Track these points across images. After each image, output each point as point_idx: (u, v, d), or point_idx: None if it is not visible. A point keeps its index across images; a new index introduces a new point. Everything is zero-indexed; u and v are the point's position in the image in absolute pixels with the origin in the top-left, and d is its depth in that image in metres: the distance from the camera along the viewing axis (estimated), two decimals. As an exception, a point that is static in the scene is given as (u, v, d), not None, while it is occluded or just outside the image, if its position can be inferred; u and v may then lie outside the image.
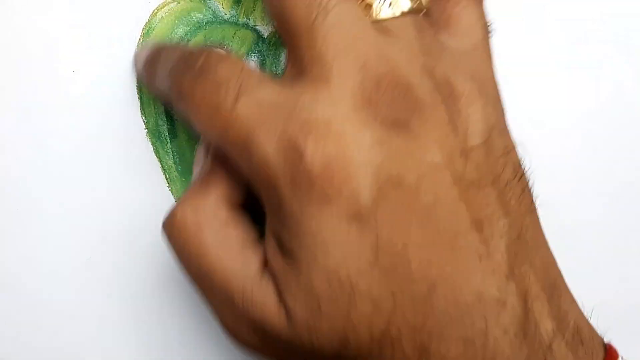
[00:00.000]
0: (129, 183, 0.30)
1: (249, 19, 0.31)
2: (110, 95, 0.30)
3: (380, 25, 0.22)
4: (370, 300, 0.21)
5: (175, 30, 0.30)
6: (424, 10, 0.23)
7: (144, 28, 0.30)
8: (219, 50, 0.23)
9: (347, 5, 0.22)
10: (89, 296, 0.29)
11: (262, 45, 0.31)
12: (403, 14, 0.23)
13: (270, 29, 0.31)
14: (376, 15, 0.23)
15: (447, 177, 0.21)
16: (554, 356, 0.22)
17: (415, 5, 0.23)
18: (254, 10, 0.30)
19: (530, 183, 0.24)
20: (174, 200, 0.30)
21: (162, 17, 0.30)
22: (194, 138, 0.30)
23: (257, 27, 0.31)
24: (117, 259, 0.29)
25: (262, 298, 0.22)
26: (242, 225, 0.24)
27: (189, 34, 0.30)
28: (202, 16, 0.30)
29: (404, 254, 0.21)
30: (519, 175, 0.23)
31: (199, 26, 0.30)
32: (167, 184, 0.30)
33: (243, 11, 0.31)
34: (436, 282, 0.21)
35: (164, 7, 0.30)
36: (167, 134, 0.30)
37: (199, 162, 0.25)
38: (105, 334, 0.29)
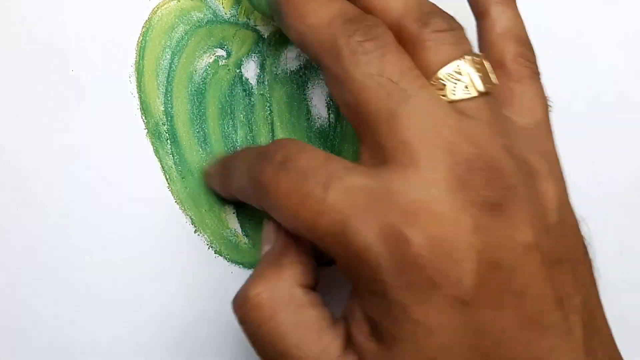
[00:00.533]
0: (129, 183, 0.30)
1: (249, 19, 0.30)
2: (110, 95, 0.29)
3: (456, 107, 0.23)
4: None
5: (175, 29, 0.30)
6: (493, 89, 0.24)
7: (143, 27, 0.30)
8: (295, 140, 0.24)
9: (425, 91, 0.22)
10: (89, 296, 0.29)
11: (262, 45, 0.30)
12: (477, 95, 0.23)
13: (270, 29, 0.31)
14: (451, 96, 0.23)
15: (537, 257, 0.22)
16: None
17: (488, 87, 0.23)
18: (255, 10, 0.30)
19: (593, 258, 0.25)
20: (174, 200, 0.30)
21: (161, 15, 0.30)
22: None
23: (257, 27, 0.30)
24: (117, 259, 0.29)
25: None
26: (318, 307, 0.24)
27: (188, 33, 0.30)
28: (202, 15, 0.30)
29: (501, 336, 0.22)
30: (586, 251, 0.24)
31: (198, 25, 0.30)
32: (167, 184, 0.30)
33: (243, 11, 0.30)
34: None
35: (163, 5, 0.30)
36: (167, 134, 0.30)
37: (269, 239, 0.25)
38: (105, 333, 0.29)
